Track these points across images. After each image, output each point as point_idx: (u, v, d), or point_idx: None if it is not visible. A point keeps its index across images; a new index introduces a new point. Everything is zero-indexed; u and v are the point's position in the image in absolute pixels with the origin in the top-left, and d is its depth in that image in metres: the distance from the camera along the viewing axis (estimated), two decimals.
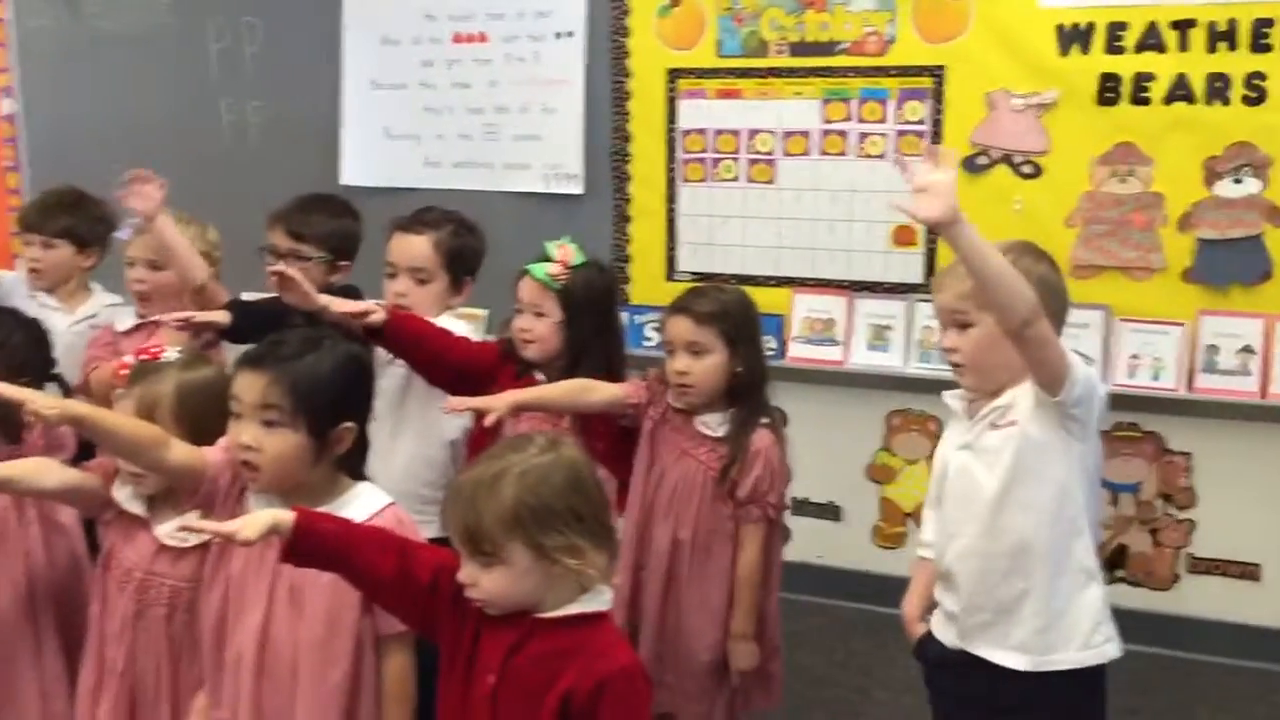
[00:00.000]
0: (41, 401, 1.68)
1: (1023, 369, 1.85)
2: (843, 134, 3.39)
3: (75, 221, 2.83)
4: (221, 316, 2.49)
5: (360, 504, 1.81)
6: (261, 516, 1.58)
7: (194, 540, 1.90)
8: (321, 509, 1.71)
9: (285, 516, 1.58)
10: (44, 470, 1.89)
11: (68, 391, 2.20)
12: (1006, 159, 3.23)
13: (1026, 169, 3.23)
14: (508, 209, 3.53)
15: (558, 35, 3.59)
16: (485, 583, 1.52)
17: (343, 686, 1.76)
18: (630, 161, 3.59)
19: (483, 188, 3.67)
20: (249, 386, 1.75)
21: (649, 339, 3.56)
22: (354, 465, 1.87)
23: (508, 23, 3.63)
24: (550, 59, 3.60)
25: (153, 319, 2.71)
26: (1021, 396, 1.87)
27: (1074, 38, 3.13)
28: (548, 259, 2.37)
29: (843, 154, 3.40)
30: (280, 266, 2.32)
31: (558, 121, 3.62)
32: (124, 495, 1.94)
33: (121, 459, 1.83)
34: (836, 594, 3.52)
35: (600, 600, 1.57)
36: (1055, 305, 1.85)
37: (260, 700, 1.78)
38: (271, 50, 3.91)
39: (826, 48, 3.37)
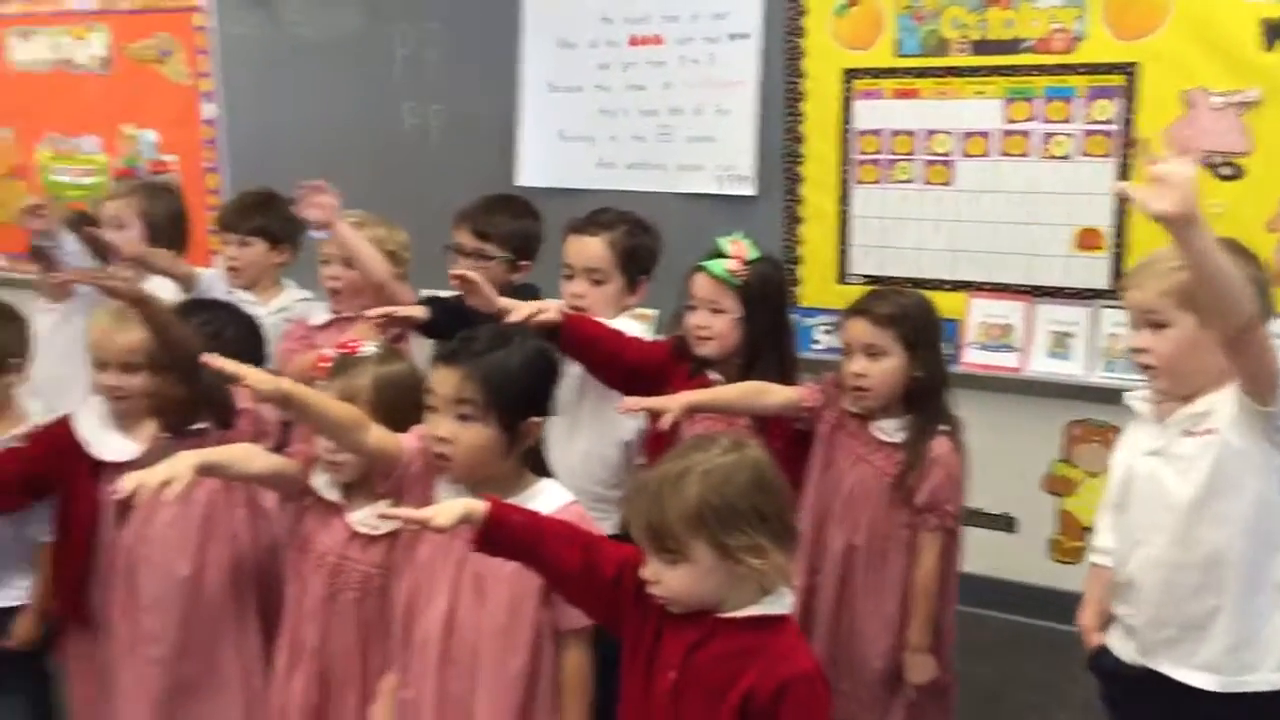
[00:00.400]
0: (257, 377, 1.76)
1: (1221, 374, 1.77)
2: (1025, 134, 3.30)
3: (267, 220, 2.98)
4: (419, 312, 2.58)
5: (544, 499, 1.85)
6: (455, 505, 1.63)
7: (385, 528, 1.98)
8: (510, 500, 1.76)
9: (478, 506, 1.63)
10: (251, 456, 1.99)
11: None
12: (1204, 160, 3.08)
13: (1226, 170, 3.08)
14: (680, 210, 3.55)
15: (733, 37, 3.59)
16: (669, 580, 1.54)
17: (522, 675, 1.81)
18: (803, 163, 3.57)
19: (655, 189, 3.70)
20: (444, 381, 1.81)
21: (818, 342, 3.54)
22: (536, 461, 1.92)
23: (683, 25, 3.65)
24: (725, 60, 3.60)
25: (345, 314, 2.83)
26: (1221, 403, 1.79)
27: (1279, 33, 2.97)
28: (720, 255, 2.37)
29: (1025, 155, 3.30)
30: (461, 270, 2.38)
31: (731, 123, 3.62)
32: (321, 482, 2.03)
33: (325, 437, 1.91)
34: (1009, 608, 3.42)
35: (782, 603, 1.57)
36: (1263, 309, 1.77)
37: (445, 684, 1.84)
38: (452, 55, 4.02)
39: (1010, 45, 3.28)
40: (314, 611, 2.02)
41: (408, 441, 1.90)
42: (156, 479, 1.74)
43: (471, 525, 1.63)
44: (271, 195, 3.13)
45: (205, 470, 1.84)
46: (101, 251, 3.25)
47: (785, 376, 2.36)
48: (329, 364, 2.06)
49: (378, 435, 1.87)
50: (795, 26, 3.51)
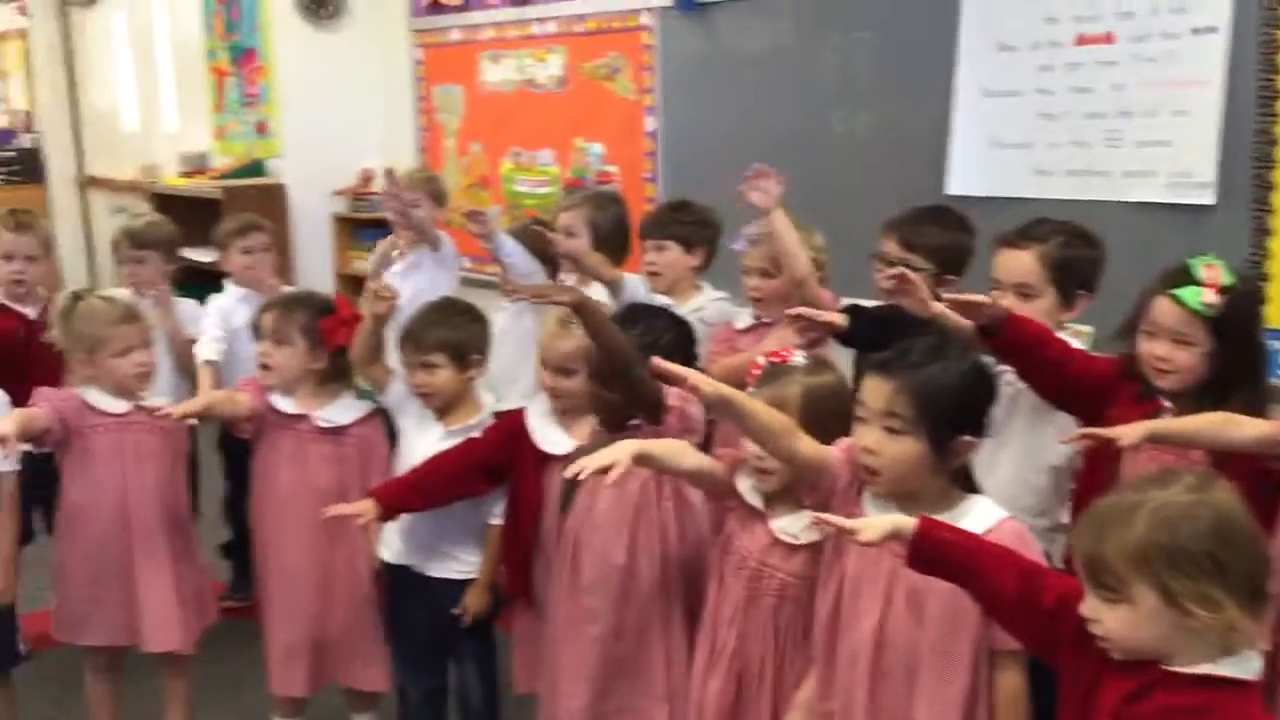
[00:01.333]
0: (700, 381, 1.83)
1: None
2: None
3: (682, 225, 3.10)
4: (838, 318, 2.58)
5: (976, 516, 1.79)
6: (883, 520, 1.62)
7: (806, 537, 1.99)
8: (939, 517, 1.71)
9: (907, 522, 1.61)
10: (683, 452, 2.07)
11: None
12: None
13: None
14: (1125, 220, 3.30)
15: (1196, 32, 3.29)
16: (1108, 620, 1.44)
17: (964, 695, 1.76)
18: (1275, 168, 3.20)
19: (1097, 197, 3.46)
20: (875, 392, 1.80)
21: None
22: (966, 477, 1.86)
23: (1139, 21, 3.39)
24: (1186, 57, 3.30)
25: (766, 320, 2.89)
26: None
27: None
28: (1190, 280, 2.12)
29: None
30: (898, 270, 2.34)
31: (1190, 125, 3.31)
32: (746, 486, 2.08)
33: (757, 443, 1.95)
34: None
35: (1247, 667, 1.41)
36: None
37: (877, 699, 1.83)
38: (884, 62, 3.99)
39: None
40: (732, 615, 2.07)
41: (835, 453, 1.90)
42: (599, 463, 1.86)
43: (900, 541, 1.60)
44: (685, 202, 3.28)
45: (641, 460, 1.93)
46: (545, 255, 3.54)
47: (1256, 408, 2.12)
48: (759, 371, 2.10)
49: (807, 445, 1.89)
50: (1272, 18, 3.16)
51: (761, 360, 2.12)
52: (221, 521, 3.73)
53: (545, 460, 2.47)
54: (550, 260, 3.58)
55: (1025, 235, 2.40)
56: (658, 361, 1.84)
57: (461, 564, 2.67)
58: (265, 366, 2.71)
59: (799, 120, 4.21)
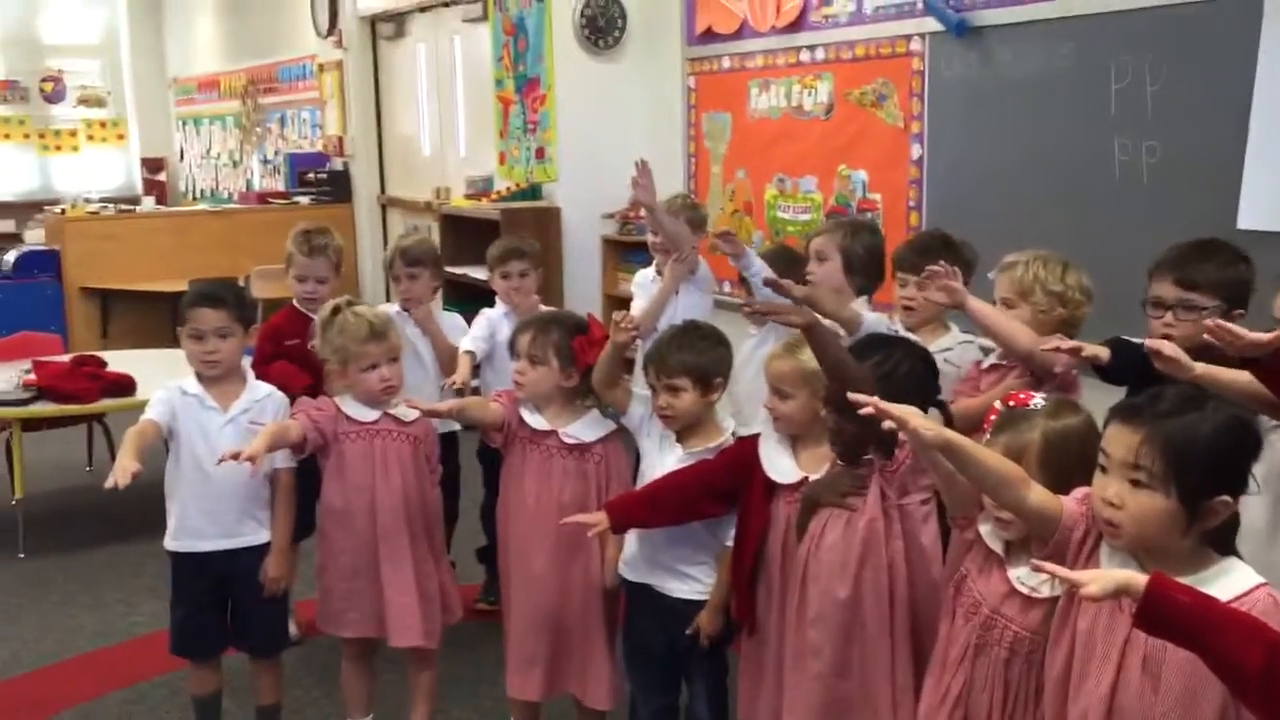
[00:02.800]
0: (919, 422, 1.77)
1: None
2: None
3: (947, 261, 2.97)
4: (1103, 352, 2.43)
5: (1227, 581, 1.64)
6: (1113, 575, 1.53)
7: (1046, 591, 1.89)
8: (1182, 579, 1.58)
9: (1138, 579, 1.51)
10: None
11: (948, 419, 2.29)
12: None
13: None
14: None
15: None
16: None
17: None
18: None
19: None
20: (1120, 441, 1.68)
21: None
22: (1224, 538, 1.70)
23: None
24: None
25: (1010, 362, 2.76)
26: None
27: None
28: None
29: None
30: (1213, 321, 2.14)
31: None
32: (985, 530, 1.99)
33: (983, 492, 1.87)
34: None
35: None
36: None
37: None
38: (1173, 87, 3.74)
39: None
40: (960, 659, 1.98)
41: (1070, 505, 1.79)
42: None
43: (1131, 599, 1.50)
44: (947, 238, 3.17)
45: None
46: (795, 279, 3.53)
47: None
48: (996, 417, 2.01)
49: (1039, 495, 1.79)
50: None
51: (999, 405, 2.03)
52: (479, 528, 3.92)
53: (773, 488, 2.45)
54: (799, 282, 3.58)
55: None
56: (862, 399, 1.78)
57: (699, 585, 2.68)
58: (519, 384, 2.83)
59: (1076, 149, 4.01)
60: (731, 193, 5.70)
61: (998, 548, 1.97)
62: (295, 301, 3.74)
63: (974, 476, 1.82)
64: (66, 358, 5.04)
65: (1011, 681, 1.92)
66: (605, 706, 2.89)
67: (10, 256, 8.30)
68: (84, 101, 14.38)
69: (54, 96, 14.19)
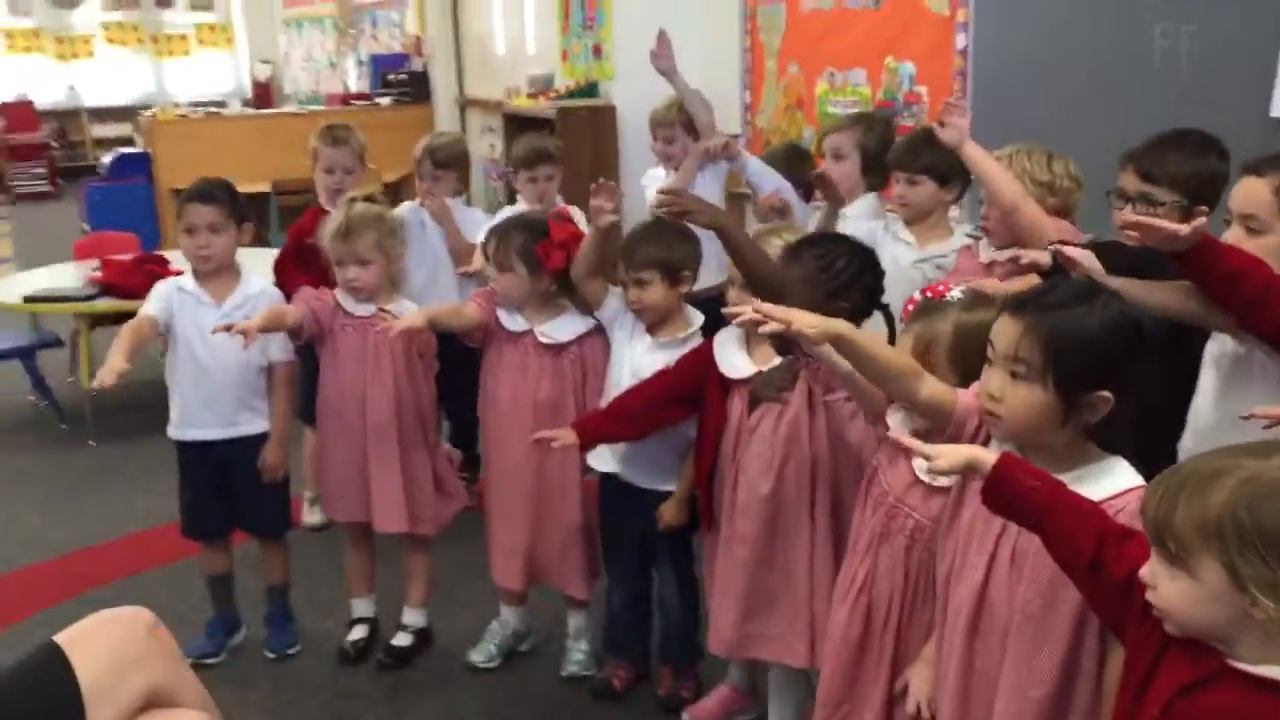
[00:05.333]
0: (804, 320, 1.75)
1: None
2: None
3: (937, 158, 2.87)
4: (1042, 258, 2.33)
5: (1105, 480, 1.61)
6: (961, 450, 1.54)
7: (946, 482, 1.87)
8: (1060, 475, 1.56)
9: (986, 457, 1.51)
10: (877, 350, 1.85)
11: (890, 322, 2.25)
12: None
13: None
14: None
15: None
16: (1166, 589, 1.29)
17: (1051, 667, 1.62)
18: None
19: None
20: (1003, 333, 1.65)
21: None
22: (1111, 436, 1.66)
23: None
24: None
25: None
26: None
27: None
28: None
29: None
30: (1131, 216, 2.07)
31: None
32: (895, 420, 1.97)
33: (875, 384, 1.86)
34: None
35: None
36: None
37: (970, 661, 1.73)
38: None
39: None
40: (866, 548, 2.00)
41: (964, 398, 1.77)
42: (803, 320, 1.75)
43: (978, 476, 1.50)
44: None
45: (831, 338, 1.77)
46: (799, 179, 3.48)
47: None
48: (914, 307, 1.98)
49: (930, 388, 1.77)
50: None
51: (918, 296, 1.99)
52: None
53: (728, 385, 2.46)
54: (805, 184, 3.52)
55: (1271, 163, 2.06)
56: (729, 311, 1.78)
57: (668, 477, 2.73)
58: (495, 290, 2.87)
59: (1118, 37, 3.80)
60: (785, 88, 5.58)
61: (906, 439, 1.95)
62: (321, 199, 3.82)
63: (866, 371, 1.81)
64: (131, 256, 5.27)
65: (910, 569, 1.94)
66: (581, 596, 2.97)
67: (107, 159, 8.64)
68: (195, 6, 14.76)
69: (165, 1, 14.59)
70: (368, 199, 3.02)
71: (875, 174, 3.30)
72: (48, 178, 12.73)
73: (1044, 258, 2.26)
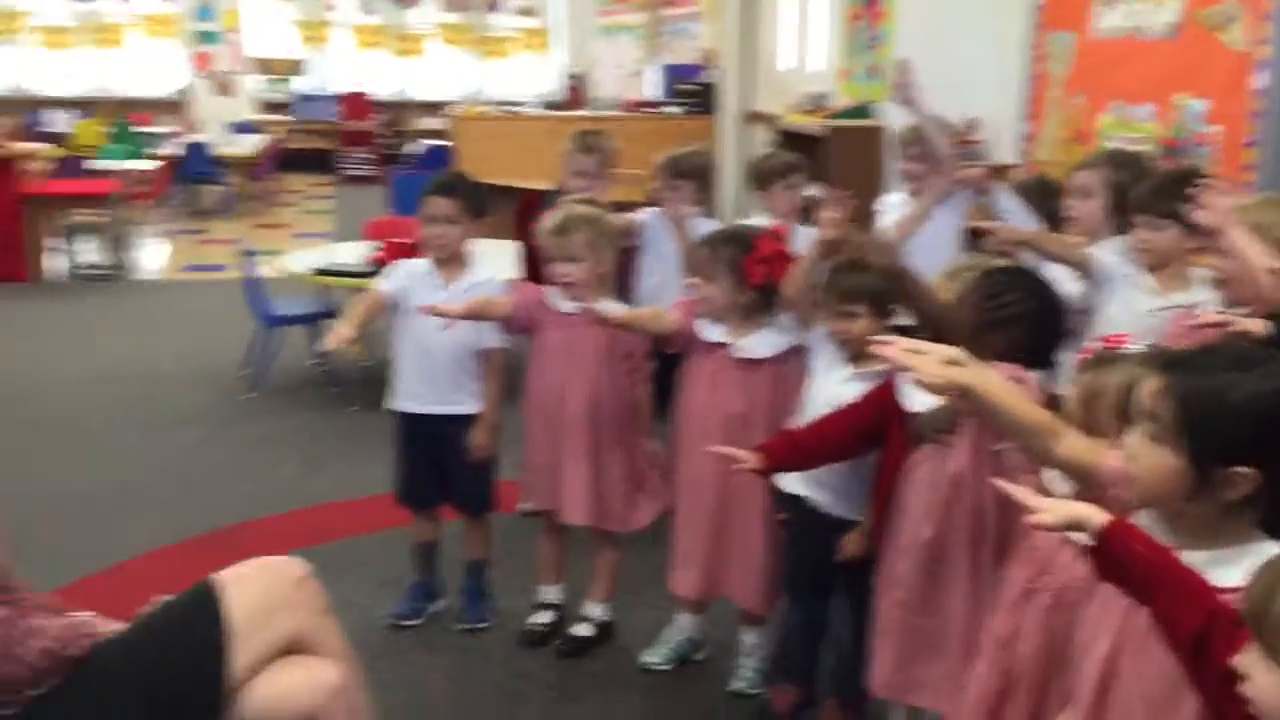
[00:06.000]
0: (931, 370, 1.65)
1: None
2: None
3: (1186, 201, 2.66)
4: (1256, 326, 2.10)
5: (1244, 563, 1.46)
6: (1069, 506, 1.46)
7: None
8: (1196, 552, 1.44)
9: (1095, 516, 1.43)
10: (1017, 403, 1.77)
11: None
12: None
13: None
14: None
15: None
16: (1260, 680, 1.21)
17: None
18: None
19: None
20: (1148, 387, 1.53)
21: None
22: (1264, 517, 1.51)
23: None
24: None
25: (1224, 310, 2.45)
26: None
27: None
28: None
29: None
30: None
31: None
32: (1048, 475, 1.86)
33: (1012, 440, 1.77)
34: None
35: None
36: None
37: None
38: None
39: None
40: (1012, 604, 1.90)
41: (1114, 459, 1.65)
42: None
43: (1088, 537, 1.43)
44: (1195, 171, 2.85)
45: (964, 390, 1.67)
46: (1050, 212, 3.32)
47: None
48: (1088, 356, 1.86)
49: (1070, 446, 1.67)
50: None
51: (1094, 345, 1.87)
52: None
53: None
54: (1054, 217, 3.36)
55: None
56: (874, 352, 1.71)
57: (857, 506, 2.67)
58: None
59: None
60: (1066, 119, 5.31)
61: (1058, 493, 1.84)
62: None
63: (1000, 424, 1.72)
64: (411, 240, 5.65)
65: (1053, 632, 1.84)
66: (758, 612, 2.96)
67: (420, 149, 9.33)
68: (521, 11, 15.66)
69: (495, 5, 15.57)
70: (588, 202, 3.13)
71: (1121, 215, 3.11)
72: (373, 163, 13.88)
73: (1257, 326, 2.07)
